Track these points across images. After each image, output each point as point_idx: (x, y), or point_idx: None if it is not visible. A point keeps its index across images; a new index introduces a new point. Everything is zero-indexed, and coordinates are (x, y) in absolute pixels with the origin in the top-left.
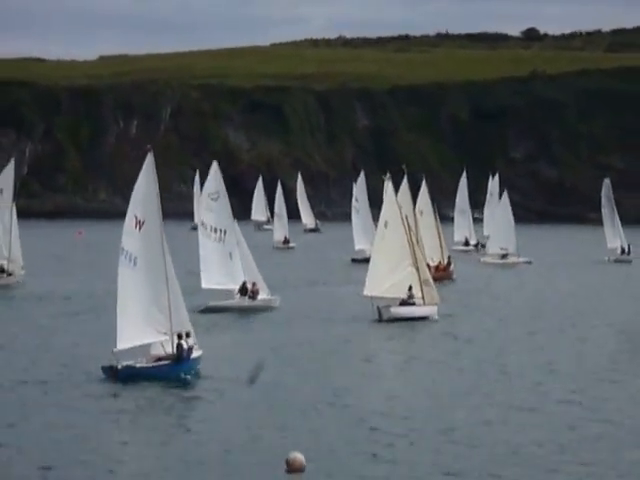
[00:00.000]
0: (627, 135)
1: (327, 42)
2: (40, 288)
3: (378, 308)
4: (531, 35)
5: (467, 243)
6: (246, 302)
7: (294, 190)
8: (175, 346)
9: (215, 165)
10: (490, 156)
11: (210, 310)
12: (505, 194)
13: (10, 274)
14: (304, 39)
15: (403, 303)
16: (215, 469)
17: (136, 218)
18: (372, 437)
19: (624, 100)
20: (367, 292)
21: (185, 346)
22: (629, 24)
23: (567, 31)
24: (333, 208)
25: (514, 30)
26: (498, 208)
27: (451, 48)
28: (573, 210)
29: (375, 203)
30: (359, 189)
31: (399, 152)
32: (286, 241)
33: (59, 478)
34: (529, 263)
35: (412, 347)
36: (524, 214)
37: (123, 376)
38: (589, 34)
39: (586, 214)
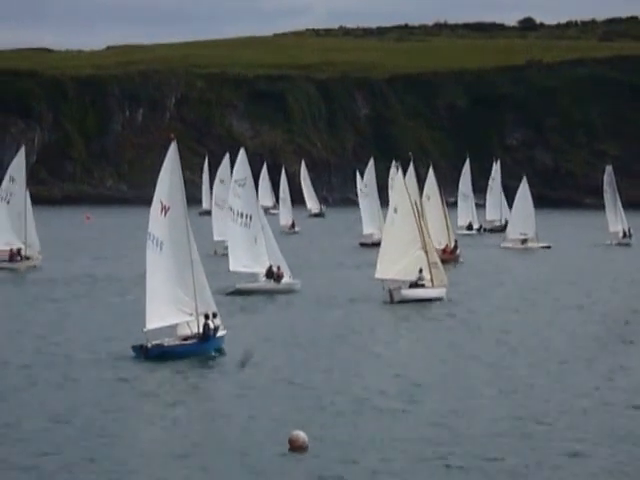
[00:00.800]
0: (621, 122)
1: (328, 32)
2: (58, 272)
3: (389, 290)
4: (527, 25)
5: (470, 227)
6: (271, 285)
7: (296, 176)
8: (202, 326)
9: (242, 152)
10: (487, 143)
11: (238, 292)
12: (524, 180)
13: (28, 258)
14: (306, 29)
15: (413, 285)
16: (222, 445)
17: (162, 204)
18: (376, 417)
19: (618, 88)
20: (378, 275)
21: (211, 326)
22: (623, 14)
23: (562, 20)
24: (334, 194)
25: (510, 20)
26: (517, 194)
27: (449, 38)
28: (569, 195)
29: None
30: (368, 175)
31: (398, 139)
32: (292, 225)
33: (92, 453)
34: (548, 248)
35: (420, 328)
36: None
37: (153, 354)
38: (584, 23)
39: (582, 199)
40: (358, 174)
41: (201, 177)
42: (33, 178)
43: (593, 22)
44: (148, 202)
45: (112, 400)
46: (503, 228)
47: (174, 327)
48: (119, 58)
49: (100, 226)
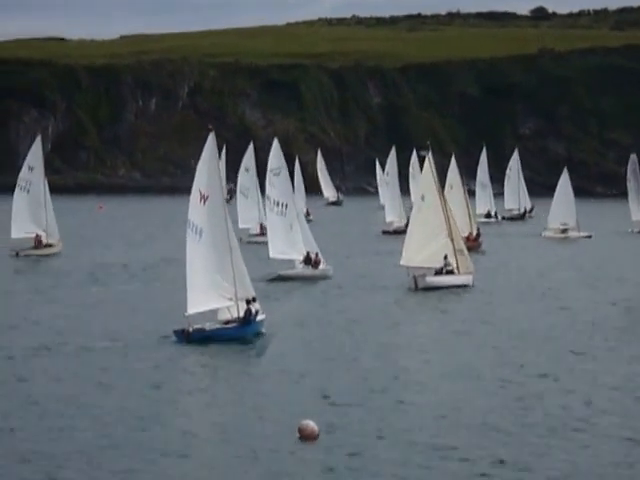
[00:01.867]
0: (633, 111)
1: (341, 21)
2: (81, 259)
3: (414, 277)
4: (539, 14)
5: (489, 215)
6: (309, 271)
7: (309, 165)
8: (244, 310)
9: (276, 142)
10: (499, 132)
11: (280, 278)
12: (565, 171)
13: (50, 245)
14: (318, 18)
15: (438, 272)
16: (238, 432)
17: (200, 193)
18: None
19: (630, 77)
20: (404, 262)
21: (253, 310)
22: (635, 3)
23: (574, 10)
24: (347, 182)
25: (523, 9)
26: (559, 184)
27: (462, 27)
28: (581, 184)
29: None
30: (390, 163)
31: (410, 128)
32: (307, 214)
33: (142, 431)
34: (589, 237)
35: (445, 314)
36: (533, 188)
37: (195, 338)
38: (596, 12)
39: (593, 188)
40: (378, 163)
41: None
42: (47, 167)
43: (605, 11)
44: (161, 190)
45: (155, 382)
46: (522, 216)
47: (214, 312)
48: (132, 47)
49: (112, 215)
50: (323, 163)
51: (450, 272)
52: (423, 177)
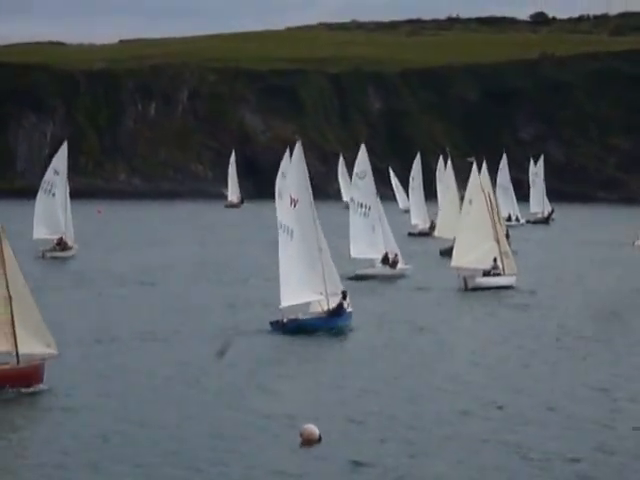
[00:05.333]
0: (633, 116)
1: (341, 26)
2: (100, 262)
3: (464, 278)
4: (539, 19)
5: (510, 218)
6: (388, 270)
7: (311, 169)
8: (335, 304)
9: (363, 147)
10: (500, 137)
11: (358, 278)
12: None
13: (70, 247)
14: (318, 23)
15: (486, 274)
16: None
17: (291, 197)
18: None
19: (630, 82)
20: (454, 263)
21: (344, 304)
22: (635, 8)
23: (574, 15)
24: None
25: (523, 14)
26: None
27: (461, 32)
28: (582, 189)
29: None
30: (415, 169)
31: (411, 133)
32: None
33: (237, 409)
34: None
35: (492, 316)
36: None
37: (289, 328)
38: (596, 17)
39: (594, 193)
40: (392, 171)
41: (211, 171)
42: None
43: (605, 16)
44: (161, 195)
45: (252, 369)
46: (545, 220)
47: (307, 305)
48: (132, 52)
49: (113, 220)
50: (345, 168)
51: (497, 274)
52: (470, 182)
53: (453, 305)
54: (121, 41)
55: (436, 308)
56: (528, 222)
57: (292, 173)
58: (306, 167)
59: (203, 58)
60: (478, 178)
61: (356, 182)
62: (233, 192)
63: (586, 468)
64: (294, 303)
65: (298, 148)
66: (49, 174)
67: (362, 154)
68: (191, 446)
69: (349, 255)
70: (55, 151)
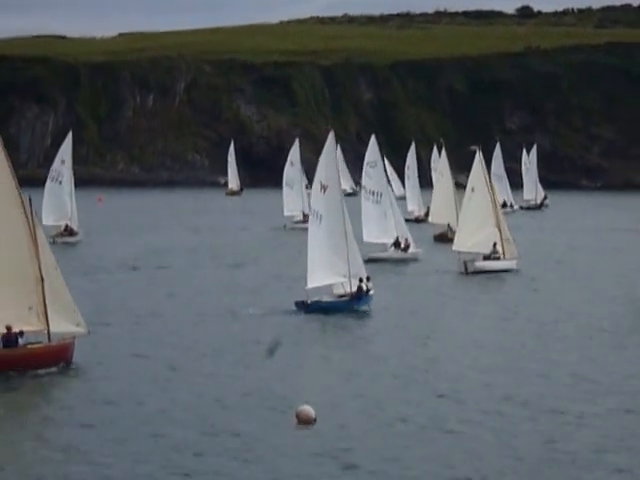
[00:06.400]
0: (616, 106)
1: (332, 20)
2: (108, 248)
3: (464, 262)
4: (525, 12)
5: (504, 205)
6: (399, 254)
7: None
8: (357, 286)
9: (373, 138)
10: (487, 127)
11: (370, 260)
12: None
13: (76, 233)
14: (310, 17)
15: (486, 258)
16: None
17: (321, 184)
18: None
19: (613, 73)
20: (455, 248)
21: (364, 287)
22: (617, 2)
23: (559, 8)
24: None
25: (509, 7)
26: None
27: (449, 25)
28: (567, 178)
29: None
30: (410, 158)
31: (401, 123)
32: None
33: (260, 390)
34: None
35: (492, 297)
36: (520, 181)
37: (312, 309)
38: (580, 11)
39: (578, 181)
40: (387, 160)
41: (207, 159)
42: (47, 160)
43: (589, 10)
44: (159, 184)
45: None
46: (538, 206)
47: (330, 286)
48: (130, 45)
49: (113, 207)
50: (342, 157)
51: (497, 259)
52: (473, 170)
53: (458, 289)
54: (120, 34)
55: (452, 290)
56: (522, 208)
57: (323, 161)
58: (336, 155)
59: (199, 51)
60: (481, 166)
61: (367, 171)
62: (233, 180)
63: (614, 458)
64: (319, 284)
65: (331, 138)
66: (57, 163)
67: (372, 145)
68: (199, 414)
69: (361, 239)
70: (56, 141)
